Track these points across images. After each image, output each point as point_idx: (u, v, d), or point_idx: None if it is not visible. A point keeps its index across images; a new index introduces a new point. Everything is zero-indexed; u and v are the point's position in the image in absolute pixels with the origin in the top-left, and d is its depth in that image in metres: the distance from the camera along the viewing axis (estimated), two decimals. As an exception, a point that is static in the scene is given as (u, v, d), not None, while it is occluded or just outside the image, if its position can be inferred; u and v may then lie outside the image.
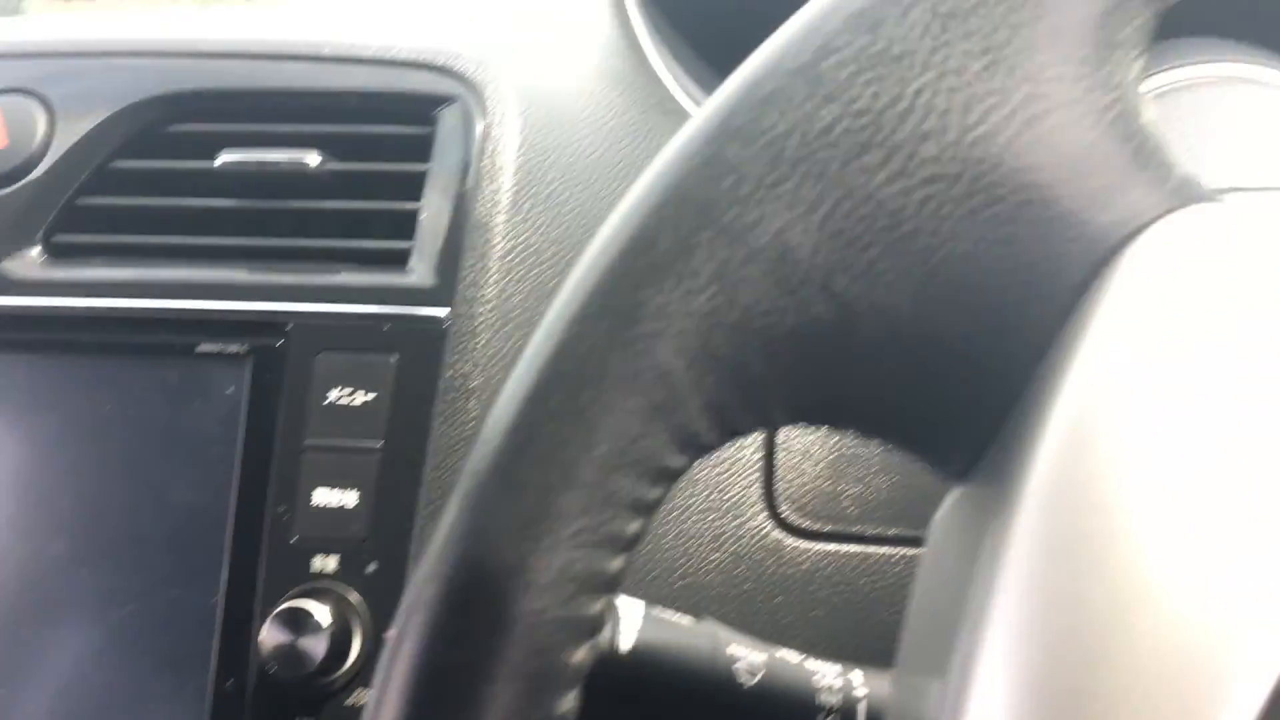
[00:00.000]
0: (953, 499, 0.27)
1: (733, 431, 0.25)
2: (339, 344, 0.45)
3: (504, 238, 0.45)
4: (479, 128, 0.47)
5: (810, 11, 0.24)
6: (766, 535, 0.48)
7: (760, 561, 0.48)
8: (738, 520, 0.49)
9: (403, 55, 0.48)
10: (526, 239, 0.45)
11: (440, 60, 0.48)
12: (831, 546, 0.48)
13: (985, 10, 0.23)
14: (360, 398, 0.44)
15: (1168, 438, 0.21)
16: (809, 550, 0.48)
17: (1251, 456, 0.20)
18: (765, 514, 0.49)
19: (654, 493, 0.24)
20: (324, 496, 0.44)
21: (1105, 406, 0.22)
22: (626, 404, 0.23)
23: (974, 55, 0.23)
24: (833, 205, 0.23)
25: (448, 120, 0.47)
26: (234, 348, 0.45)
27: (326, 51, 0.49)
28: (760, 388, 0.24)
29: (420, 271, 0.46)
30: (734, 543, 0.48)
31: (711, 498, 0.48)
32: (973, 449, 0.25)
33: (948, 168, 0.23)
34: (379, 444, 0.44)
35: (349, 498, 0.44)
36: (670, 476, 0.24)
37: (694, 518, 0.48)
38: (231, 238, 0.48)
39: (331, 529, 0.43)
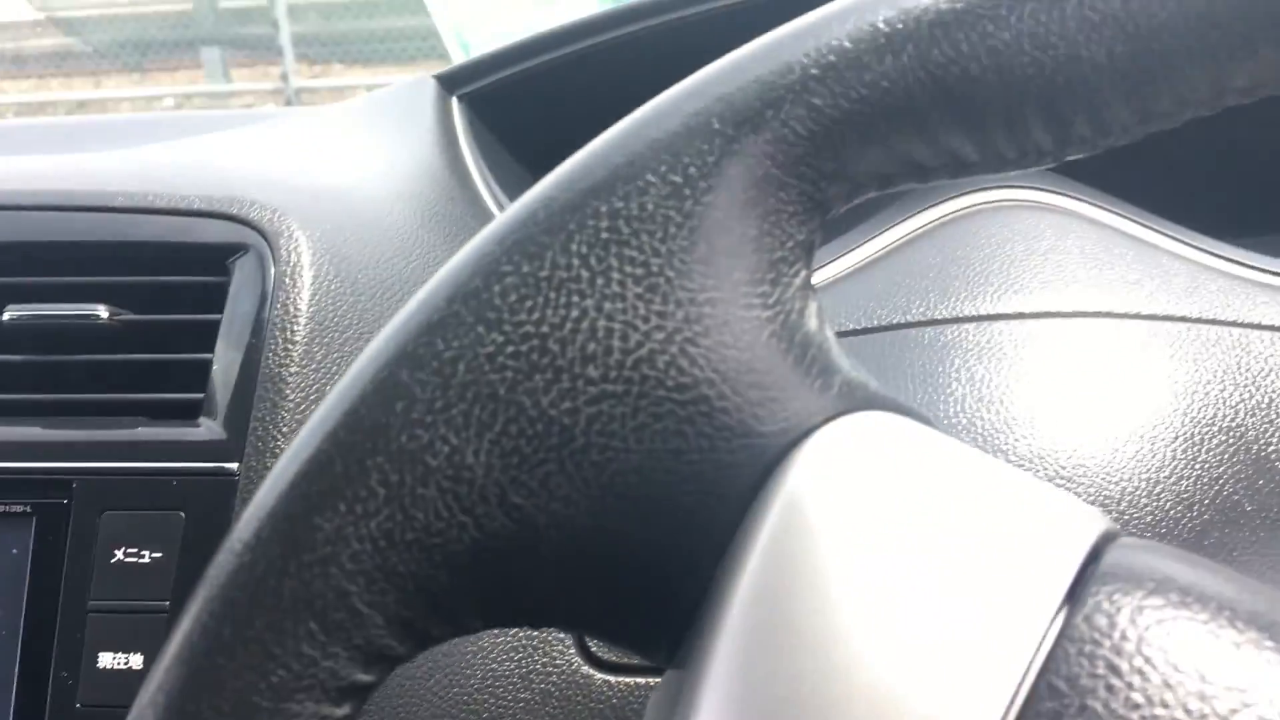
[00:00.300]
0: (664, 679, 0.28)
1: (426, 641, 0.25)
2: (125, 502, 0.44)
3: (296, 388, 0.45)
4: (271, 276, 0.47)
5: (481, 238, 0.25)
6: (576, 671, 0.49)
7: (570, 698, 0.48)
8: (546, 658, 0.49)
9: (196, 205, 0.48)
10: (320, 388, 0.45)
11: (234, 209, 0.48)
12: (641, 680, 0.49)
13: (642, 238, 0.24)
14: (147, 556, 0.44)
15: (827, 633, 0.22)
16: (619, 684, 0.48)
17: (910, 643, 0.21)
18: (574, 650, 0.49)
19: (341, 710, 0.24)
20: (109, 660, 0.43)
21: (775, 604, 0.23)
22: (301, 629, 0.23)
23: (632, 280, 0.24)
24: (504, 425, 0.24)
25: (242, 270, 0.48)
26: (17, 507, 0.45)
27: (119, 202, 0.49)
28: (448, 599, 0.24)
29: (210, 425, 0.46)
30: (543, 680, 0.48)
31: (519, 636, 0.49)
32: (672, 637, 0.25)
33: (613, 387, 0.24)
34: (166, 604, 0.43)
35: (135, 661, 0.43)
36: (361, 691, 0.25)
37: (501, 657, 0.48)
38: (18, 394, 0.47)
39: (117, 694, 0.43)
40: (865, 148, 0.24)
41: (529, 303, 0.24)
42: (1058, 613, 0.21)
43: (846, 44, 0.24)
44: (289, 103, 4.90)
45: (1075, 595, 0.22)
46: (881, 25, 0.24)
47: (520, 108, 0.72)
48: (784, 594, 0.23)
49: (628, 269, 0.24)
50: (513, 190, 0.66)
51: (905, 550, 0.23)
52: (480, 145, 0.68)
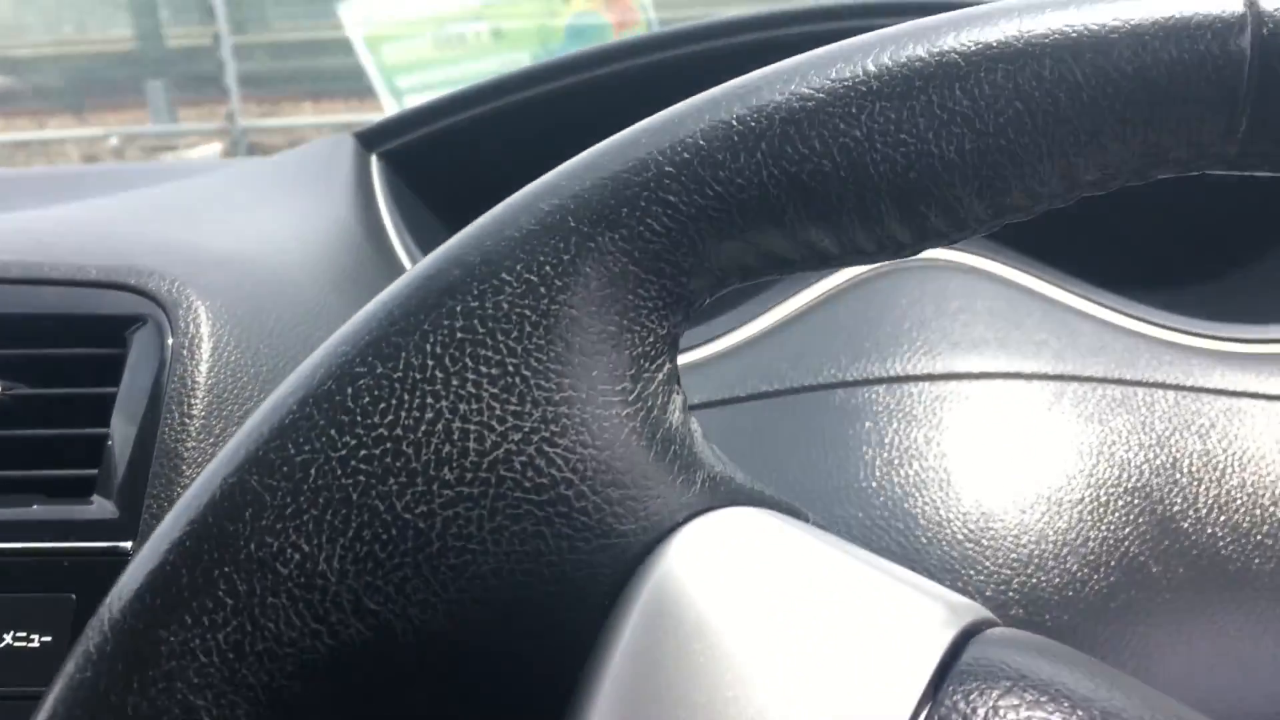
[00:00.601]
0: None
1: None
2: (14, 584, 0.43)
3: (192, 463, 0.44)
4: (169, 348, 0.46)
5: (336, 338, 0.24)
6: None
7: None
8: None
9: (93, 275, 0.48)
10: (218, 463, 0.44)
11: (131, 279, 0.47)
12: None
13: (498, 338, 0.23)
14: (37, 641, 0.42)
15: None
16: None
17: None
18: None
19: None
20: (-3, 750, 0.41)
21: (636, 705, 0.22)
22: None
23: (488, 381, 0.23)
24: (357, 530, 0.23)
25: (140, 341, 0.47)
26: (-99, 593, 0.43)
27: (14, 273, 0.48)
28: (303, 709, 0.24)
29: (102, 503, 0.45)
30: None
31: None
32: None
33: (469, 489, 0.23)
34: (55, 690, 0.42)
35: (22, 749, 0.41)
36: None
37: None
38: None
39: (3, 784, 0.41)
40: (723, 242, 0.24)
41: (383, 404, 0.23)
42: (917, 712, 0.21)
43: (700, 141, 0.24)
44: (235, 142, 4.87)
45: (935, 694, 0.21)
46: (734, 123, 0.24)
47: (442, 165, 0.72)
48: (645, 695, 0.22)
49: (483, 369, 0.23)
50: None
51: (765, 651, 0.22)
52: (400, 205, 0.67)
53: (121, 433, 0.45)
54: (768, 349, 0.54)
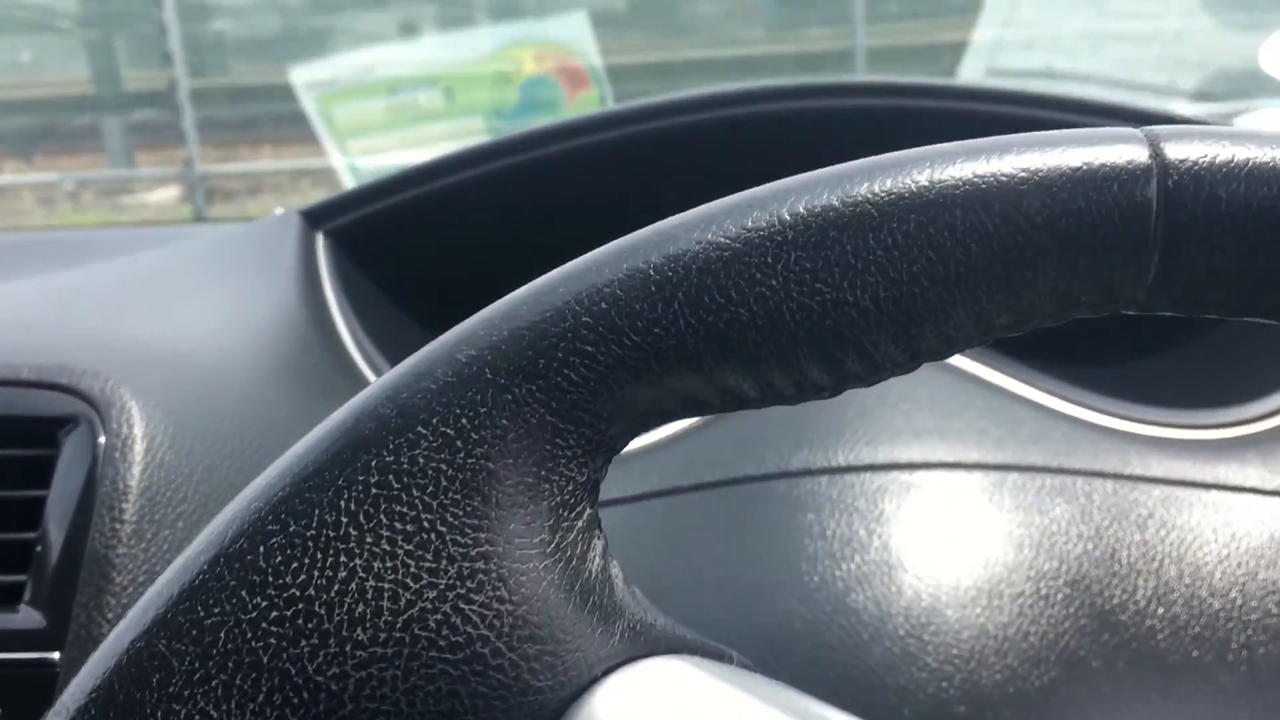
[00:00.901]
0: None
1: None
2: (-64, 698, 0.42)
3: (123, 570, 0.43)
4: (101, 448, 0.45)
5: (248, 494, 0.24)
6: None
7: None
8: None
9: (25, 375, 0.47)
10: (150, 569, 0.44)
11: (64, 379, 0.47)
12: None
13: (413, 493, 0.23)
14: (-41, 757, 0.41)
15: None
16: None
17: None
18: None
19: None
20: None
21: None
22: None
23: (403, 538, 0.23)
24: (267, 695, 0.23)
25: (72, 442, 0.46)
26: None
27: (-58, 373, 0.47)
28: None
29: (30, 612, 0.44)
30: None
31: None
32: None
33: (383, 650, 0.23)
34: (-23, 809, 0.41)
35: None
36: None
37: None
38: None
39: None
40: (642, 389, 0.24)
41: (295, 564, 0.23)
42: None
43: (618, 291, 0.24)
44: (193, 187, 4.85)
45: None
46: (652, 272, 0.24)
47: (391, 244, 0.71)
48: None
49: (398, 525, 0.23)
50: (382, 334, 0.65)
51: None
52: (347, 285, 0.67)
53: (52, 537, 0.44)
54: (711, 437, 0.54)
